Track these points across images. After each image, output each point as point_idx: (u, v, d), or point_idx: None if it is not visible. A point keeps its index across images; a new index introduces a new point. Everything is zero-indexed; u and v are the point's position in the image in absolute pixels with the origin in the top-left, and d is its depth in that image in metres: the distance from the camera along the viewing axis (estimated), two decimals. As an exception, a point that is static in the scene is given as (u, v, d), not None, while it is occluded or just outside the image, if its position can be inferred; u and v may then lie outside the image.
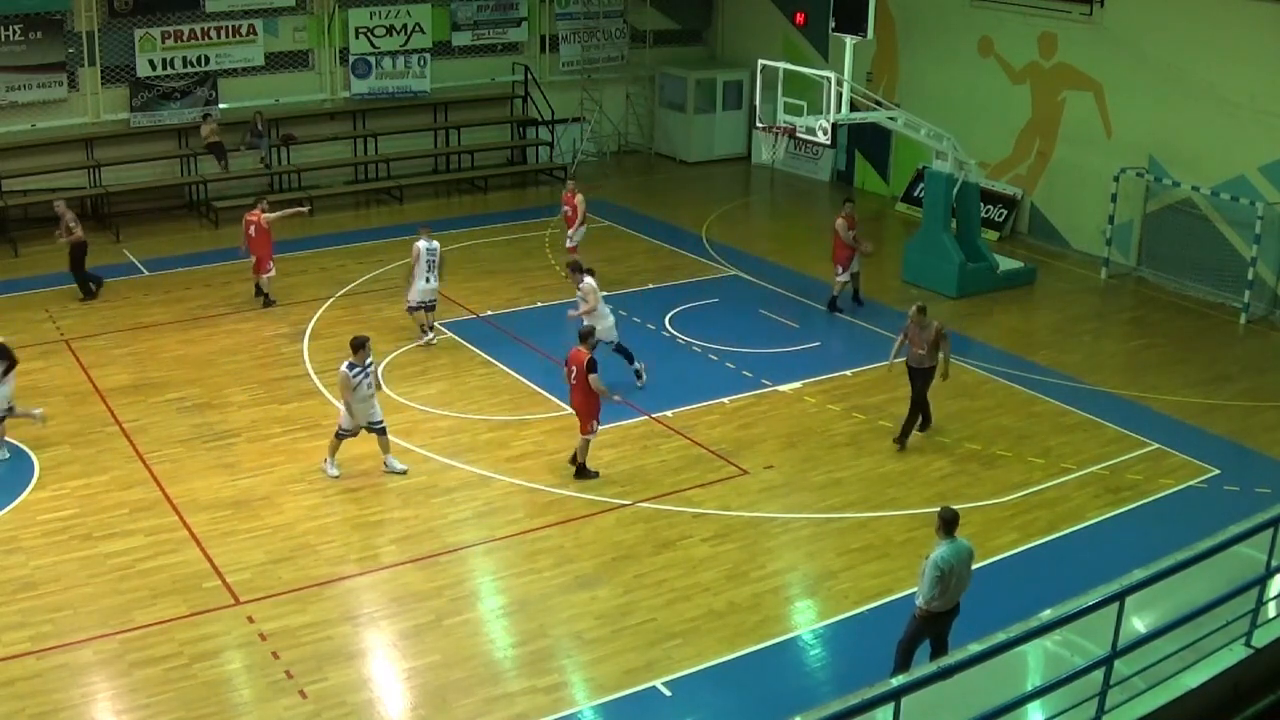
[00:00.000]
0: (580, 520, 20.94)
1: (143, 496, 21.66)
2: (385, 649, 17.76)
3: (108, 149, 38.30)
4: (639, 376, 25.57)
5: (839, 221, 29.65)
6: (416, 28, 41.54)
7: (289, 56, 40.56)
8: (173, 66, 38.64)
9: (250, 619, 18.14)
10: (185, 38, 38.64)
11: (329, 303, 29.84)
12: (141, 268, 33.10)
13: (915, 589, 15.91)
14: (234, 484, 22.02)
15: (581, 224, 31.72)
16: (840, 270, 30.00)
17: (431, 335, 28.17)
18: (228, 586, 18.93)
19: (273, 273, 30.47)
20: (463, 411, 24.46)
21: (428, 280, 27.63)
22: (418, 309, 27.99)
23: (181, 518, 20.92)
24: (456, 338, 28.36)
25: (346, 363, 21.76)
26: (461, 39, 42.64)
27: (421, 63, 41.60)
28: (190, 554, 19.84)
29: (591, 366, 21.52)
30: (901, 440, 23.63)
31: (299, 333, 28.77)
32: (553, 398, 25.26)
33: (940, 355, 23.18)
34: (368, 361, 21.97)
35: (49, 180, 37.28)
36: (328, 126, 41.21)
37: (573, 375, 21.70)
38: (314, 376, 26.45)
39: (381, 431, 22.33)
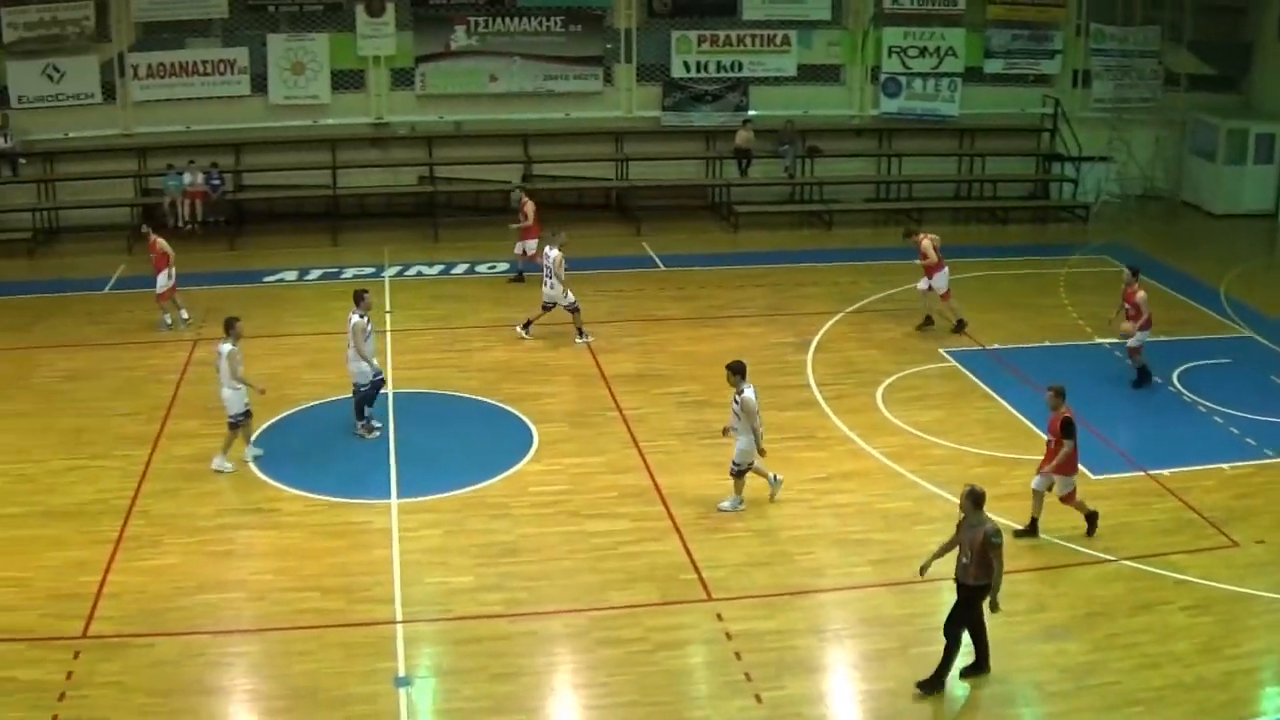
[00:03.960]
0: (1058, 569, 20.20)
1: (633, 483, 22.24)
2: (846, 668, 17.63)
3: (636, 144, 39.57)
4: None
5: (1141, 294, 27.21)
6: (949, 51, 41.20)
7: (820, 70, 40.99)
8: (706, 70, 39.58)
9: (719, 616, 18.29)
10: (720, 43, 39.54)
11: (837, 318, 29.93)
12: (659, 263, 33.97)
13: None
14: (723, 483, 22.08)
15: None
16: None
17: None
18: (702, 581, 19.15)
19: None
20: (957, 442, 24.04)
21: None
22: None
23: (667, 508, 21.36)
24: (960, 368, 27.92)
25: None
26: (993, 66, 42.00)
27: (951, 87, 41.25)
28: (671, 544, 20.22)
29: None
30: (929, 685, 16.94)
31: (805, 343, 28.94)
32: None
33: (994, 573, 16.72)
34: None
35: (578, 169, 38.74)
36: (853, 142, 41.43)
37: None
38: (815, 388, 26.54)
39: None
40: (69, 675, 16.99)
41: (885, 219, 40.77)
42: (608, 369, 27.05)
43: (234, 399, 22.70)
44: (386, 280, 33.41)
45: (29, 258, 36.95)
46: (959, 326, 30.07)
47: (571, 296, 28.58)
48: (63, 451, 23.89)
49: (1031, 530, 20.75)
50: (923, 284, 30.09)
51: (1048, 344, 29.74)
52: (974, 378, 27.16)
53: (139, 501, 21.86)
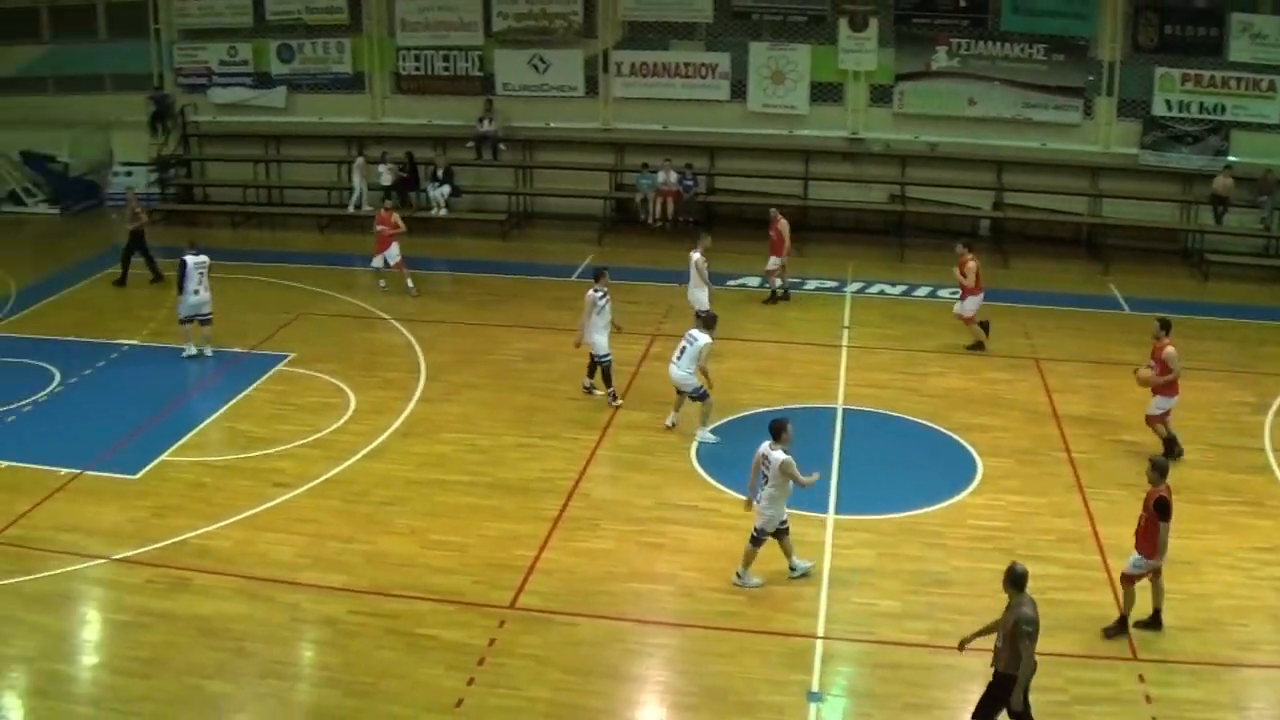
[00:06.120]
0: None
1: (1072, 528, 21.87)
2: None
3: (1111, 181, 38.87)
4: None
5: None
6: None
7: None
8: (1188, 110, 38.55)
9: (1141, 678, 17.84)
10: (1204, 83, 38.39)
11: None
12: (1123, 305, 33.34)
13: None
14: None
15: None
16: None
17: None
18: (1129, 639, 18.75)
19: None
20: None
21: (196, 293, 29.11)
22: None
23: (1104, 559, 20.85)
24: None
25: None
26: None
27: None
28: (1102, 597, 19.70)
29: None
30: None
31: (1264, 405, 27.68)
32: None
33: (1021, 658, 15.18)
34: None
35: (1050, 200, 38.33)
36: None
37: None
38: (1269, 453, 25.39)
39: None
40: (491, 642, 18.08)
41: (1274, 278, 38.58)
42: (1060, 408, 26.72)
43: (688, 379, 24.53)
44: (848, 296, 33.84)
45: (503, 239, 39.06)
46: (978, 346, 29.99)
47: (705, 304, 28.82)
48: (514, 428, 25.33)
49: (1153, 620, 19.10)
50: (957, 307, 30.10)
51: None
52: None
53: (581, 484, 23.01)
